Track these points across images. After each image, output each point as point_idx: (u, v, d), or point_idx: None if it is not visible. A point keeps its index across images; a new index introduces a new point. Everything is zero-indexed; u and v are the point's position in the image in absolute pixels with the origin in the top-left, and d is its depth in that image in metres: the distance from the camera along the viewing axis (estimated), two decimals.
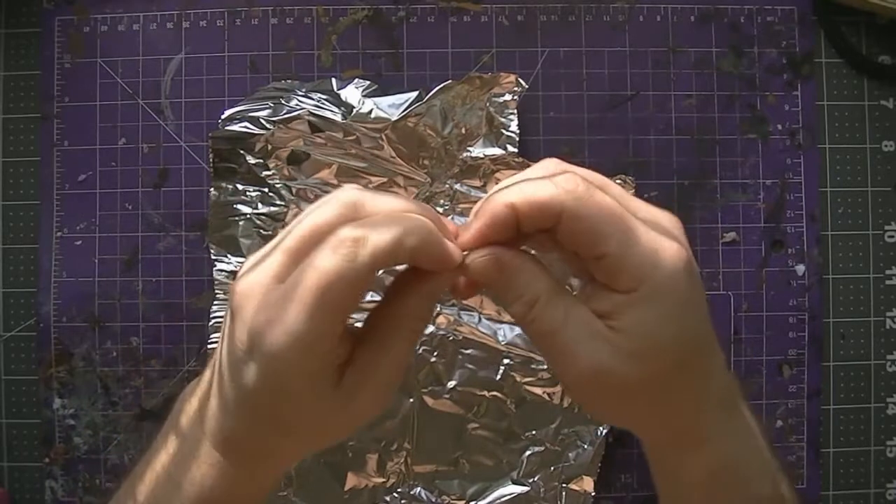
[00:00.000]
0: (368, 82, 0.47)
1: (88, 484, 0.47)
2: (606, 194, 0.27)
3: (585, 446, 0.46)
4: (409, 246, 0.26)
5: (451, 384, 0.46)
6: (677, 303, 0.28)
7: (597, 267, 0.27)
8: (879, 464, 0.48)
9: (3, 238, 0.49)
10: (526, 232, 0.27)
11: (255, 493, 0.31)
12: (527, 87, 0.47)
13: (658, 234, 0.28)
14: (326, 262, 0.25)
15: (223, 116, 0.47)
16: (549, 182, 0.26)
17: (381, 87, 0.47)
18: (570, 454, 0.46)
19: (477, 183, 0.47)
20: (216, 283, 0.47)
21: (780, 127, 0.48)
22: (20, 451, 0.48)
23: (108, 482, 0.47)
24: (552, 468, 0.46)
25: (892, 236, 0.48)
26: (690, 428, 0.31)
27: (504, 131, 0.47)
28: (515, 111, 0.46)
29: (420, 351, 0.46)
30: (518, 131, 0.46)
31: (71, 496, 0.47)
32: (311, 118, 0.46)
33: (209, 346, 0.47)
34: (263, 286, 0.26)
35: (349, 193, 0.27)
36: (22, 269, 0.48)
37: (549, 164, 0.28)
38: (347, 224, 0.26)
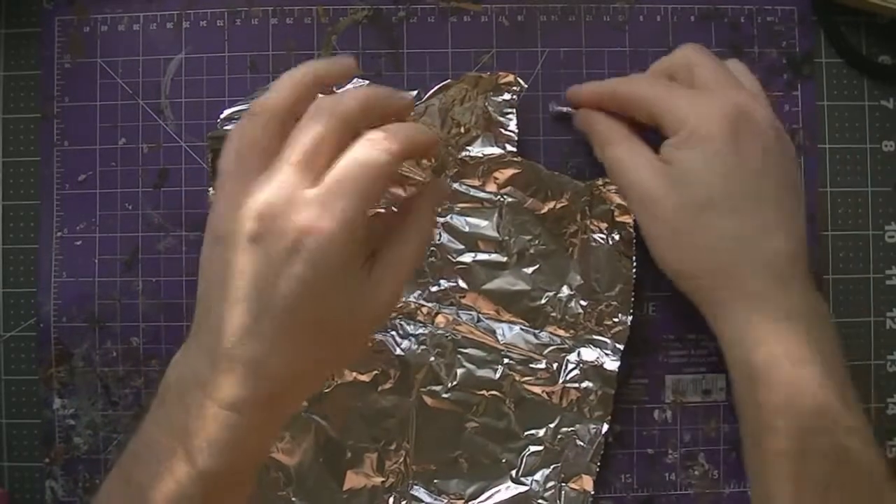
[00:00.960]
0: (367, 82, 0.47)
1: (88, 484, 0.47)
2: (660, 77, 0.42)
3: (584, 445, 0.46)
4: (421, 138, 0.33)
5: (450, 384, 0.46)
6: (711, 146, 0.37)
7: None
8: None
9: (3, 238, 0.49)
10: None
11: (265, 445, 0.33)
12: (526, 86, 0.47)
13: (702, 92, 0.38)
14: (369, 156, 0.30)
15: (221, 116, 0.47)
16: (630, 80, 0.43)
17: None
18: (569, 453, 0.46)
19: (476, 182, 0.47)
20: None
21: None
22: (20, 451, 0.48)
23: None
24: (551, 467, 0.46)
25: (893, 236, 0.48)
26: (739, 285, 0.37)
27: (503, 130, 0.47)
28: (514, 110, 0.46)
29: (419, 350, 0.46)
30: (517, 130, 0.46)
31: (71, 496, 0.47)
32: None
33: None
34: (293, 193, 0.30)
35: (327, 102, 0.32)
36: (22, 269, 0.49)
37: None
38: (368, 129, 0.32)
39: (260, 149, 0.31)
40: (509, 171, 0.46)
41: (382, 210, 0.37)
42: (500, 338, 0.46)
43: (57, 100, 0.48)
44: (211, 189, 0.47)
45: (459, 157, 0.47)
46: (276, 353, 0.30)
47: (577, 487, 0.46)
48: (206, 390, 0.30)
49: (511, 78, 0.47)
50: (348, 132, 0.32)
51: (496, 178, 0.46)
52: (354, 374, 0.46)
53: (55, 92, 0.48)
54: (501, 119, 0.47)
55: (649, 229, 0.40)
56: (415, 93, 0.46)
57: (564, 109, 0.47)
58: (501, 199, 0.46)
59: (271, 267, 0.29)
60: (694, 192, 0.37)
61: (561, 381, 0.46)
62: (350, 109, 0.32)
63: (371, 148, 0.31)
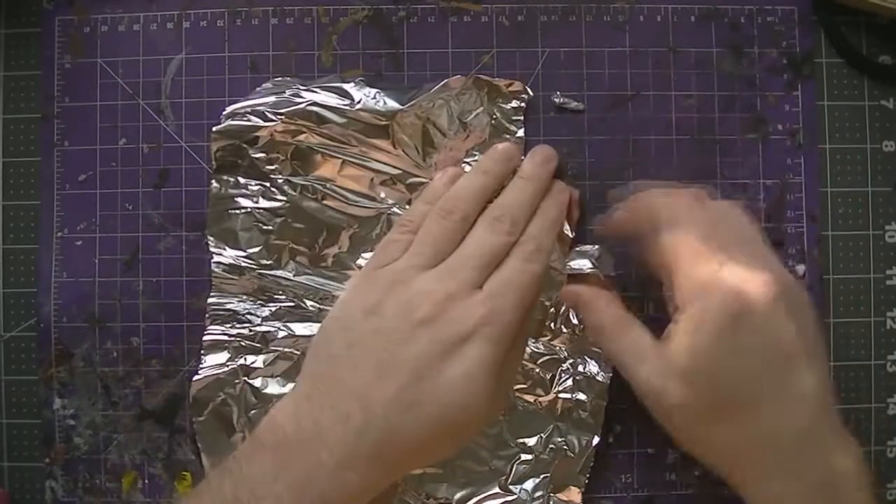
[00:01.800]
0: (374, 75, 0.47)
1: (88, 484, 0.47)
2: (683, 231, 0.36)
3: (574, 457, 0.45)
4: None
5: None
6: (715, 338, 0.33)
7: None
8: (880, 464, 0.48)
9: (3, 238, 0.49)
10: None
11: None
12: (532, 94, 0.47)
13: (723, 275, 0.34)
14: (534, 267, 0.36)
15: (225, 112, 0.47)
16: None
17: (379, 88, 0.48)
18: (559, 464, 0.46)
19: None
20: (213, 274, 0.47)
21: (780, 127, 0.48)
22: (20, 451, 0.48)
23: (108, 482, 0.47)
24: (541, 477, 0.45)
25: (893, 236, 0.48)
26: (761, 473, 0.33)
27: (511, 138, 0.47)
28: (522, 118, 0.47)
29: None
30: (524, 136, 0.47)
31: (71, 496, 0.47)
32: (317, 109, 0.46)
33: (205, 339, 0.46)
34: (469, 290, 0.35)
35: (507, 222, 0.37)
36: (22, 269, 0.48)
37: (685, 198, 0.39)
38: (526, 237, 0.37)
39: (439, 247, 0.36)
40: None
41: None
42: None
43: (57, 100, 0.48)
44: (212, 181, 0.47)
45: (466, 161, 0.47)
46: (412, 422, 0.32)
47: (565, 499, 0.45)
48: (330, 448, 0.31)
49: (519, 86, 0.47)
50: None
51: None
52: None
53: (55, 92, 0.48)
54: (510, 126, 0.47)
55: (660, 420, 0.37)
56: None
57: (573, 105, 0.47)
58: None
59: (437, 348, 0.32)
60: (697, 396, 0.33)
61: (554, 391, 0.46)
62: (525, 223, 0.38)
63: (531, 262, 0.36)
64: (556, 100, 0.48)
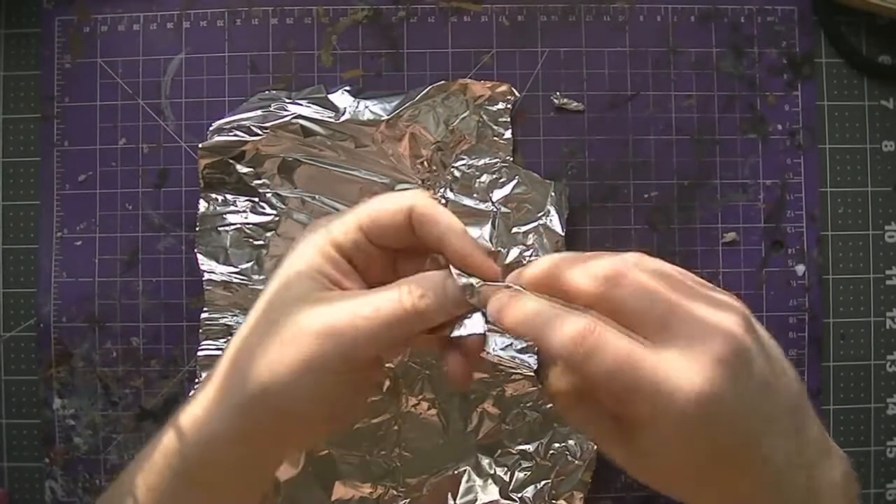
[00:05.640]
0: (359, 87, 0.47)
1: (88, 484, 0.47)
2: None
3: (576, 462, 0.45)
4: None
5: (441, 396, 0.46)
6: (681, 436, 0.26)
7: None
8: (879, 464, 0.48)
9: (3, 238, 0.49)
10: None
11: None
12: (520, 96, 0.47)
13: (679, 350, 0.26)
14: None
15: (211, 128, 0.47)
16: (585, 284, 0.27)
17: (379, 88, 0.48)
18: (560, 470, 0.45)
19: (470, 192, 0.46)
20: (206, 291, 0.47)
21: (780, 127, 0.48)
22: (20, 451, 0.48)
23: (107, 482, 0.47)
24: (542, 483, 0.45)
25: (892, 236, 0.48)
26: None
27: (498, 140, 0.47)
28: (509, 119, 0.46)
29: (410, 363, 0.46)
30: (511, 138, 0.47)
31: (71, 496, 0.47)
32: (303, 122, 0.46)
33: (200, 353, 0.46)
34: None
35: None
36: (22, 269, 0.48)
37: (624, 260, 0.27)
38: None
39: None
40: (504, 181, 0.46)
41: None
42: (492, 351, 0.46)
43: (57, 100, 0.48)
44: (200, 199, 0.47)
45: (454, 166, 0.46)
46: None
47: None
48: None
49: (506, 88, 0.47)
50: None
51: (490, 188, 0.46)
52: None
53: (55, 92, 0.48)
54: (496, 128, 0.47)
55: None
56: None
57: (573, 105, 0.46)
58: (495, 210, 0.46)
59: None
60: (674, 476, 0.29)
61: None
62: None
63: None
64: (556, 100, 0.48)
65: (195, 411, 0.29)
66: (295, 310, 0.28)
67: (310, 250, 0.30)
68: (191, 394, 0.33)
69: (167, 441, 0.30)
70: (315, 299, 0.28)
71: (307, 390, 0.28)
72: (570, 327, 0.26)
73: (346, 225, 0.30)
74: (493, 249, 0.45)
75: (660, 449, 0.27)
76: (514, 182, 0.46)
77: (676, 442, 0.26)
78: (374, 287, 0.29)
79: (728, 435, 0.27)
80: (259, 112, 0.46)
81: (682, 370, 0.25)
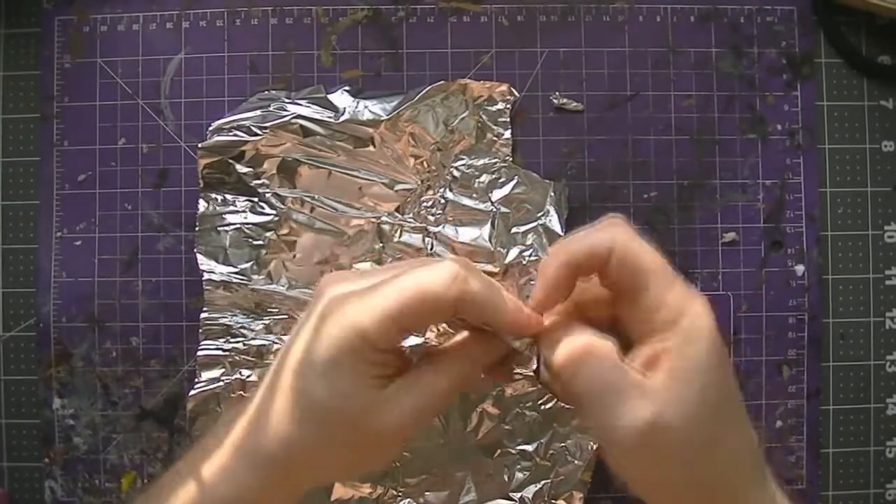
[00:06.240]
0: (358, 87, 0.47)
1: (88, 484, 0.47)
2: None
3: (576, 462, 0.45)
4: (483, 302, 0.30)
5: None
6: (712, 347, 0.29)
7: (636, 309, 0.30)
8: (879, 464, 0.48)
9: (2, 238, 0.49)
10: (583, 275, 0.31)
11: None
12: (519, 95, 0.47)
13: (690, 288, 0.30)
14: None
15: (211, 128, 0.47)
16: (598, 230, 0.30)
17: (378, 88, 0.48)
18: (559, 470, 0.45)
19: (469, 192, 0.46)
20: (205, 290, 0.46)
21: (779, 127, 0.48)
22: (20, 451, 0.48)
23: (107, 482, 0.47)
24: (542, 483, 0.45)
25: (892, 236, 0.48)
26: (725, 497, 0.30)
27: (497, 140, 0.47)
28: (509, 119, 0.46)
29: None
30: (510, 138, 0.47)
31: (70, 496, 0.47)
32: (303, 122, 0.46)
33: (199, 354, 0.46)
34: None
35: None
36: (22, 269, 0.49)
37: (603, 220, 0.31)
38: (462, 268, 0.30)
39: None
40: (503, 181, 0.46)
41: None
42: None
43: (57, 100, 0.48)
44: (200, 199, 0.47)
45: (454, 166, 0.46)
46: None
47: None
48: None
49: (505, 88, 0.47)
50: None
51: (490, 188, 0.46)
52: None
53: (55, 92, 0.48)
54: (496, 128, 0.47)
55: (635, 464, 0.31)
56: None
57: (572, 105, 0.46)
58: (495, 210, 0.46)
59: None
60: (697, 408, 0.29)
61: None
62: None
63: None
64: (556, 100, 0.48)
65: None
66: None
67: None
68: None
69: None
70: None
71: None
72: None
73: (374, 313, 0.30)
74: (492, 250, 0.45)
75: (684, 353, 0.29)
76: (514, 182, 0.46)
77: (699, 343, 0.29)
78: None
79: (726, 382, 0.29)
80: (259, 112, 0.47)
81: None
